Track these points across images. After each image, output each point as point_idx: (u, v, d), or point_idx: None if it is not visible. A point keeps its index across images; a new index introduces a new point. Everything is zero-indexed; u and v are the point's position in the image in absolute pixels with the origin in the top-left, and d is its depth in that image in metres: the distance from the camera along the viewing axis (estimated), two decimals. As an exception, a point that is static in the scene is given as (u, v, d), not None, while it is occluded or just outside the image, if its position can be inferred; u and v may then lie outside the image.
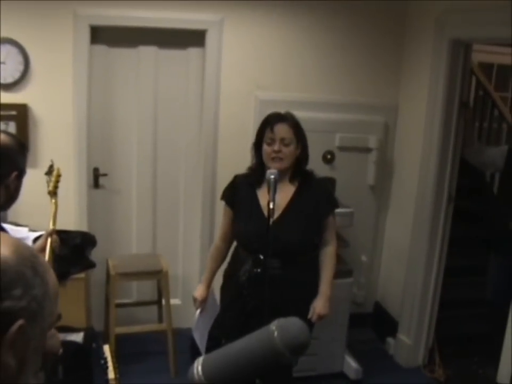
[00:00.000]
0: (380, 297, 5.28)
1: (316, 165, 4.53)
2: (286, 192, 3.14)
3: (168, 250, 4.91)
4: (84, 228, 4.51)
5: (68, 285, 4.12)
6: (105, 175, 4.71)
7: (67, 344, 3.68)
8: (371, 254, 5.16)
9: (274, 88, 4.66)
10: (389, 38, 4.81)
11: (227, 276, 3.40)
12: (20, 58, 4.20)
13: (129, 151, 4.74)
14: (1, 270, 0.99)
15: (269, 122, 3.15)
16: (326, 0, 4.57)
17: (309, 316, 3.25)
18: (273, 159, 3.09)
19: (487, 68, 7.50)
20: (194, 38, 4.56)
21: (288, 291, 3.09)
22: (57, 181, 2.93)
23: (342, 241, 4.49)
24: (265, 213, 3.01)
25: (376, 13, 4.71)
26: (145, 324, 4.65)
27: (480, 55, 6.85)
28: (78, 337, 3.84)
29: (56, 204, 2.85)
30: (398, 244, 4.94)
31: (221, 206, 3.56)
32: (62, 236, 4.10)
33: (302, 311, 3.08)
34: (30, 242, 3.28)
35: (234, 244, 3.44)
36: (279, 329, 1.27)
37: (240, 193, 3.27)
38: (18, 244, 1.07)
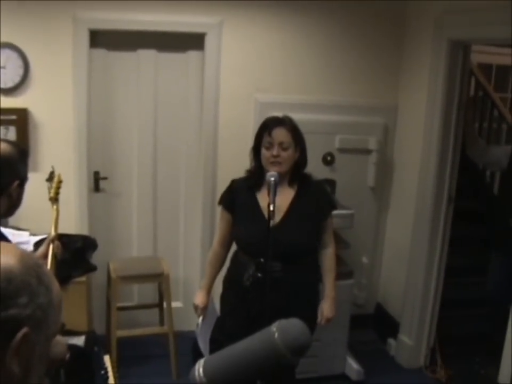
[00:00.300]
0: (381, 298, 5.28)
1: (316, 167, 4.55)
2: (285, 195, 3.14)
3: (169, 253, 4.91)
4: (84, 231, 4.52)
5: (69, 289, 4.12)
6: (105, 178, 4.71)
7: (69, 348, 3.69)
8: (372, 255, 5.16)
9: (274, 91, 4.66)
10: (388, 39, 4.81)
11: (228, 282, 3.38)
12: (19, 63, 4.21)
13: (130, 154, 4.75)
14: (7, 279, 1.00)
15: (267, 126, 3.15)
16: (325, 1, 4.58)
17: (318, 320, 3.32)
18: (272, 163, 3.09)
19: (486, 68, 7.51)
20: (194, 41, 4.57)
21: (290, 293, 3.10)
22: (58, 187, 2.92)
23: (342, 243, 4.49)
24: (266, 215, 3.04)
25: (375, 14, 4.71)
26: (147, 327, 4.65)
27: (480, 56, 6.86)
28: (79, 340, 3.84)
29: (57, 210, 2.85)
30: (399, 245, 4.94)
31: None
32: (63, 240, 4.10)
33: (304, 312, 3.08)
34: (31, 247, 3.30)
35: (233, 249, 3.43)
36: (279, 330, 1.27)
37: (239, 197, 3.26)
38: (23, 253, 1.08)
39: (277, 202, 2.81)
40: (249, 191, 3.24)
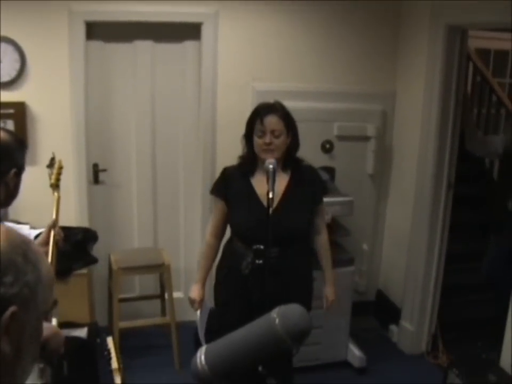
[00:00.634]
0: (382, 285, 5.29)
1: (315, 155, 4.56)
2: (280, 181, 3.13)
3: (170, 243, 4.92)
4: (85, 223, 4.52)
5: (71, 281, 4.14)
6: (104, 170, 4.71)
7: (71, 340, 3.69)
8: (372, 242, 5.17)
9: (271, 79, 4.65)
10: (385, 24, 4.80)
11: (224, 272, 3.36)
12: (15, 56, 4.20)
13: (128, 145, 4.74)
14: None
15: (259, 114, 3.14)
16: (321, -11, 4.57)
17: (324, 306, 3.42)
18: (264, 150, 3.09)
19: (484, 53, 7.48)
20: (190, 31, 4.56)
21: (287, 277, 3.11)
22: (59, 173, 2.88)
23: (342, 230, 4.50)
24: (264, 202, 3.03)
25: (371, 1, 4.69)
26: (149, 318, 4.66)
27: (478, 41, 6.83)
28: (82, 332, 3.85)
29: (58, 197, 2.81)
30: (399, 231, 4.95)
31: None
32: (64, 232, 4.12)
33: (301, 295, 3.11)
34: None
35: (224, 239, 3.43)
36: (280, 316, 1.28)
37: (233, 185, 3.25)
38: (9, 231, 1.07)
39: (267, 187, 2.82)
40: (243, 178, 3.23)
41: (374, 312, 5.28)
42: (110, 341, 2.74)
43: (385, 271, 5.26)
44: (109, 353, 2.67)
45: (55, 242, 2.64)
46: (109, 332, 4.36)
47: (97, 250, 4.39)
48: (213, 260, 3.43)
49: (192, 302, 3.37)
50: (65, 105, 4.39)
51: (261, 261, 3.07)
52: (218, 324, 3.29)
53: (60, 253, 4.06)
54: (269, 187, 2.77)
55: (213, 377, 1.34)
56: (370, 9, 4.71)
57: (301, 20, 4.62)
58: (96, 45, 4.49)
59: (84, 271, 4.31)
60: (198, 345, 3.54)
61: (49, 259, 2.53)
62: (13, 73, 4.22)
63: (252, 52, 4.61)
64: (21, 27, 4.17)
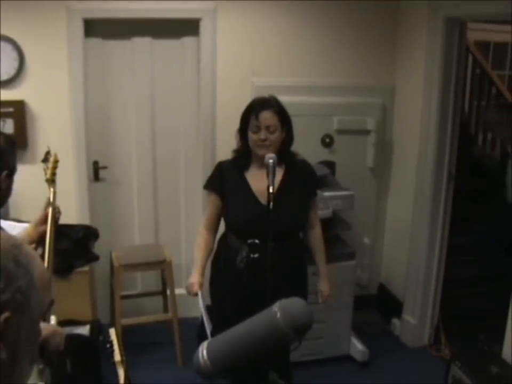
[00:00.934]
0: (384, 279, 5.29)
1: (315, 149, 4.57)
2: (276, 175, 3.13)
3: (171, 240, 4.92)
4: (86, 221, 4.52)
5: (73, 279, 4.15)
6: (105, 167, 4.71)
7: (74, 338, 3.70)
8: (373, 235, 5.17)
9: (270, 74, 4.65)
10: (383, 18, 4.79)
11: (218, 267, 3.35)
12: (14, 55, 4.19)
13: (128, 142, 4.74)
14: None
15: (254, 110, 3.12)
16: (319, -17, 4.56)
17: (320, 301, 3.40)
18: (259, 146, 3.09)
19: (483, 46, 7.47)
20: (189, 27, 4.56)
21: (283, 271, 3.06)
22: (54, 168, 2.82)
23: (343, 224, 4.50)
24: (258, 196, 3.07)
25: (369, -6, 4.69)
26: (151, 315, 4.67)
27: (477, 33, 6.82)
28: (84, 330, 3.87)
29: (54, 192, 2.73)
30: (400, 225, 4.95)
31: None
32: (65, 230, 4.13)
33: (298, 289, 3.11)
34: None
35: (219, 235, 3.39)
36: (281, 310, 1.28)
37: (228, 179, 3.23)
38: None
39: (267, 182, 2.80)
40: (237, 172, 3.21)
41: (376, 306, 5.29)
42: (112, 332, 2.72)
43: (386, 264, 5.26)
44: (112, 346, 2.65)
45: (54, 220, 2.60)
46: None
47: (99, 247, 4.39)
48: (208, 251, 3.31)
49: (190, 286, 3.17)
50: (64, 102, 4.38)
51: (256, 255, 3.07)
52: (216, 319, 3.28)
53: (61, 251, 4.07)
54: (269, 182, 2.76)
55: (215, 372, 1.34)
56: (369, 3, 4.70)
57: (299, 14, 4.61)
58: (95, 42, 4.49)
59: (86, 268, 4.31)
60: (200, 340, 3.54)
61: (48, 238, 2.51)
62: (11, 72, 4.22)
63: (250, 47, 4.61)
64: (19, 25, 4.16)
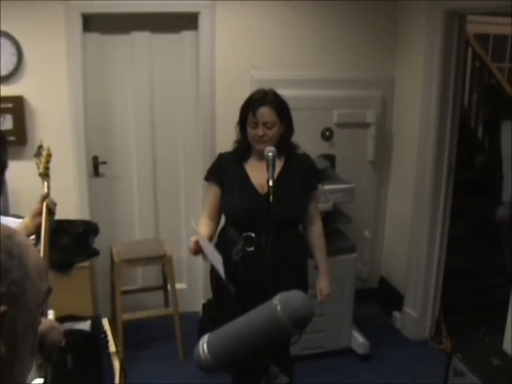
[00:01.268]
0: (385, 272, 5.29)
1: (315, 143, 4.56)
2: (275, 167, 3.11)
3: (171, 234, 4.92)
4: (86, 216, 4.52)
5: (73, 274, 4.14)
6: (104, 163, 4.71)
7: (75, 333, 3.71)
8: (374, 229, 5.17)
9: (270, 67, 4.64)
10: (382, 11, 4.78)
11: None
12: (12, 50, 4.18)
13: (128, 137, 4.74)
14: None
15: (251, 106, 3.10)
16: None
17: (318, 299, 3.32)
18: (257, 141, 3.08)
19: (483, 38, 7.46)
20: (187, 21, 4.55)
21: (281, 264, 2.99)
22: (47, 161, 2.77)
23: (344, 217, 4.50)
24: (257, 188, 3.06)
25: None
26: (152, 310, 4.66)
27: (476, 26, 6.81)
28: (85, 325, 3.87)
29: (48, 187, 2.69)
30: (401, 218, 4.95)
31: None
32: (65, 226, 4.13)
33: (295, 283, 3.07)
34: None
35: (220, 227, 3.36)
36: (281, 303, 1.27)
37: (228, 170, 3.21)
38: None
39: (266, 174, 2.79)
40: (237, 163, 3.21)
41: (377, 299, 5.29)
42: (105, 322, 2.70)
43: (387, 257, 5.26)
44: (106, 336, 2.64)
45: (49, 211, 2.60)
46: (112, 324, 4.37)
47: (99, 242, 4.38)
48: (210, 231, 3.21)
49: (189, 247, 3.04)
50: (63, 98, 4.37)
51: (251, 248, 3.06)
52: (215, 312, 3.27)
53: (61, 247, 4.07)
54: (269, 175, 2.75)
55: (216, 366, 1.34)
56: (368, -4, 4.70)
57: (298, 7, 4.60)
58: (93, 37, 4.48)
59: (86, 264, 4.30)
60: (201, 335, 3.55)
61: (43, 229, 2.51)
62: (10, 67, 4.21)
63: (249, 41, 4.60)
64: (17, 20, 4.15)
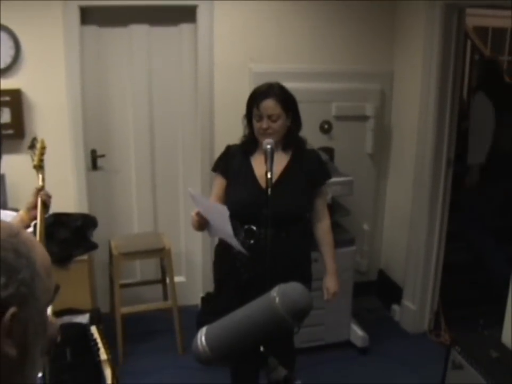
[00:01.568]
0: (384, 265, 5.29)
1: (313, 136, 4.53)
2: (280, 161, 3.10)
3: (170, 227, 4.92)
4: (84, 210, 4.51)
5: (71, 268, 4.14)
6: (102, 156, 4.70)
7: (74, 327, 3.70)
8: (373, 222, 5.17)
9: (268, 60, 4.63)
10: (381, 3, 4.77)
11: (219, 251, 3.32)
12: (10, 43, 4.17)
13: (126, 130, 4.73)
14: None
15: (256, 99, 3.10)
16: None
17: (325, 298, 3.30)
18: (262, 134, 3.07)
19: (482, 31, 7.44)
20: (186, 14, 4.53)
21: (279, 260, 2.97)
22: (42, 154, 2.77)
23: (343, 210, 4.50)
24: (260, 181, 3.04)
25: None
26: (151, 303, 4.66)
27: (475, 19, 6.79)
28: (83, 319, 3.86)
29: (43, 179, 2.69)
30: (400, 211, 4.95)
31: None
32: (63, 219, 4.12)
33: (296, 278, 3.06)
34: (31, 227, 3.27)
35: None
36: (280, 295, 1.27)
37: (234, 162, 3.22)
38: None
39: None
40: (243, 157, 3.21)
41: (376, 292, 5.30)
42: (94, 330, 2.67)
43: (386, 250, 5.26)
44: (96, 344, 2.61)
45: (43, 203, 2.59)
46: (111, 317, 4.38)
47: (97, 236, 4.38)
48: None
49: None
50: (61, 91, 4.36)
51: (252, 241, 3.06)
52: (215, 304, 3.27)
53: (59, 241, 4.07)
54: (267, 167, 2.74)
55: (215, 358, 1.33)
56: (366, -12, 4.68)
57: (296, 0, 4.58)
58: (91, 30, 4.46)
59: (84, 257, 4.30)
60: (200, 327, 3.54)
61: (38, 222, 2.51)
62: (8, 60, 4.19)
63: (248, 34, 4.58)
64: (15, 13, 4.13)
